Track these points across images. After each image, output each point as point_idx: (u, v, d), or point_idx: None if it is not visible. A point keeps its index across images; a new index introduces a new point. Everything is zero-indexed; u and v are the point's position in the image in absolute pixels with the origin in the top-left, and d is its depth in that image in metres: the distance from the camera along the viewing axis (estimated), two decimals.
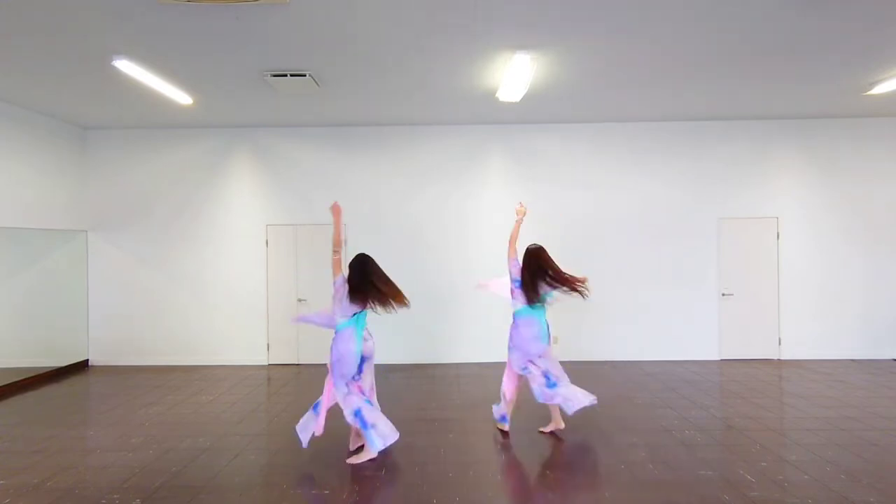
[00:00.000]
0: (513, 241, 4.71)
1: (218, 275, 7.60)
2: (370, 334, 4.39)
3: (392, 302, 4.25)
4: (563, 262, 7.68)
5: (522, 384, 4.84)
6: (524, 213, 4.82)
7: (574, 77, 5.60)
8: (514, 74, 5.23)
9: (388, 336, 7.59)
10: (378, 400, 5.79)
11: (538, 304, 4.59)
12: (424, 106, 6.63)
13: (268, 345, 7.60)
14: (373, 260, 4.38)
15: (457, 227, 7.59)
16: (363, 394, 4.27)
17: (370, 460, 4.09)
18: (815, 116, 7.42)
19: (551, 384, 4.54)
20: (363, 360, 4.29)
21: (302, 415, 5.31)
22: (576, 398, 4.50)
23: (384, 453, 4.23)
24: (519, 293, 4.62)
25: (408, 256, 7.56)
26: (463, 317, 7.58)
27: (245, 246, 7.62)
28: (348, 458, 4.17)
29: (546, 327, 4.64)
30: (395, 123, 7.53)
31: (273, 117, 7.14)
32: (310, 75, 5.31)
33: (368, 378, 4.36)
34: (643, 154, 7.57)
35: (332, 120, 7.29)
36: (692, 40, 4.66)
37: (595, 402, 4.59)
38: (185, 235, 7.62)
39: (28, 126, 6.65)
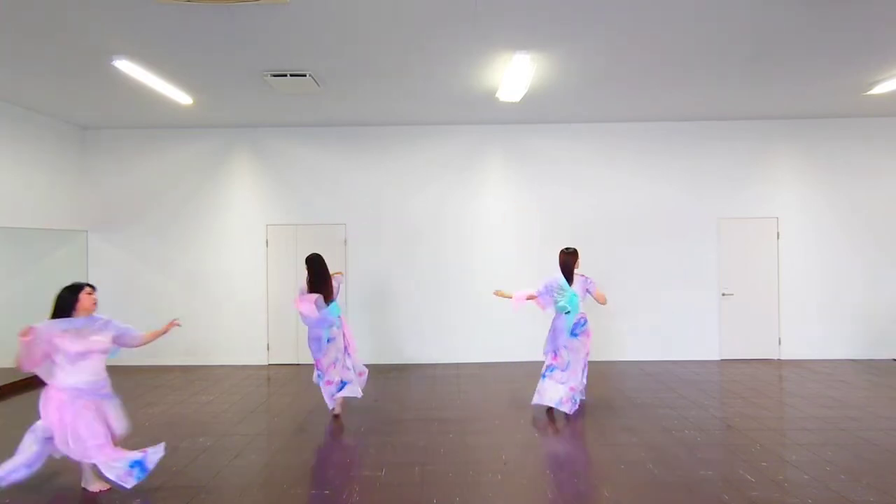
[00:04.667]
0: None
1: (218, 275, 7.60)
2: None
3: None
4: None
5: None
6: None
7: (574, 77, 5.59)
8: (513, 74, 5.24)
9: (388, 336, 7.59)
10: (379, 400, 5.82)
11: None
12: (424, 106, 6.63)
13: (268, 345, 7.60)
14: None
15: (456, 227, 7.59)
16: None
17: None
18: (815, 116, 7.42)
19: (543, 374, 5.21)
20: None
21: (301, 414, 5.32)
22: (544, 393, 5.11)
23: (382, 452, 4.23)
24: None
25: (407, 256, 7.56)
26: (463, 317, 7.58)
27: (245, 246, 7.61)
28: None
29: (573, 324, 5.09)
30: (395, 123, 7.53)
31: (273, 117, 7.14)
32: (310, 75, 5.31)
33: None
34: (643, 154, 7.57)
35: (332, 120, 7.29)
36: (692, 40, 4.66)
37: (561, 408, 5.03)
38: (185, 235, 7.62)
39: (28, 126, 6.64)
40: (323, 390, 5.09)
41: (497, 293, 5.36)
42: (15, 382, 6.38)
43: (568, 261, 5.14)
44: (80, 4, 3.88)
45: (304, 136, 7.62)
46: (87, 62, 4.99)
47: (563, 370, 5.07)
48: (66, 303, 3.47)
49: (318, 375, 5.11)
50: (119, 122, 7.33)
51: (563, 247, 5.28)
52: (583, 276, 5.19)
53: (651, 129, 7.56)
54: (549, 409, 5.19)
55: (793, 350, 7.49)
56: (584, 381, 5.27)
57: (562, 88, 5.96)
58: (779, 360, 7.47)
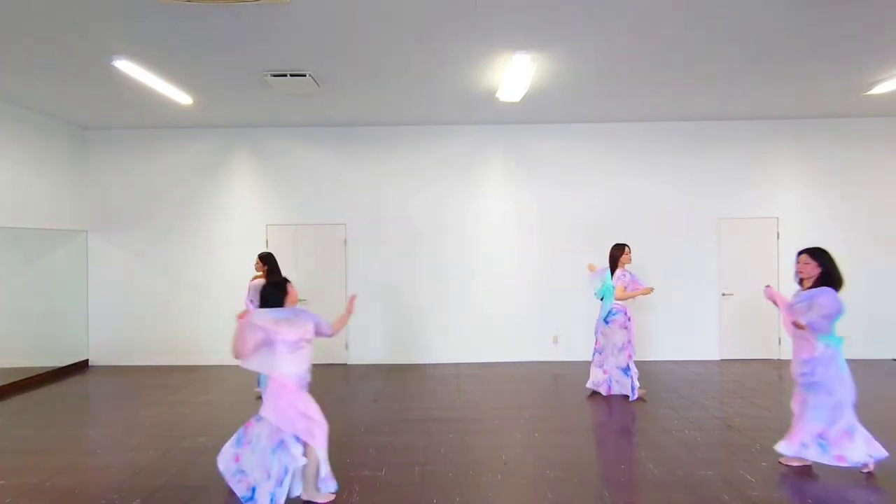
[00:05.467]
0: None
1: (218, 275, 7.59)
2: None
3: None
4: (562, 261, 7.70)
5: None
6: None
7: (574, 77, 5.59)
8: (514, 74, 5.24)
9: (388, 336, 7.59)
10: (379, 400, 5.82)
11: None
12: (424, 106, 6.63)
13: None
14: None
15: (456, 227, 7.59)
16: None
17: None
18: (815, 116, 7.42)
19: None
20: None
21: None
22: (591, 375, 5.79)
23: (382, 452, 4.24)
24: None
25: (407, 256, 7.56)
26: (463, 317, 7.58)
27: (245, 246, 7.60)
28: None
29: (605, 312, 5.66)
30: (395, 123, 7.53)
31: (273, 117, 7.14)
32: (310, 75, 5.31)
33: None
34: (643, 154, 7.57)
35: (332, 120, 7.29)
36: (692, 41, 4.66)
37: (597, 389, 5.72)
38: (184, 235, 7.62)
39: (28, 126, 6.64)
40: (261, 382, 5.48)
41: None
42: (15, 382, 6.39)
43: (612, 253, 5.75)
44: (80, 4, 3.88)
45: (304, 136, 7.62)
46: (87, 62, 5.00)
47: (600, 353, 5.74)
48: (277, 295, 3.44)
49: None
50: (119, 122, 7.33)
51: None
52: (624, 271, 5.66)
53: (651, 129, 7.56)
54: (593, 393, 5.79)
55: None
56: (632, 378, 5.57)
57: (562, 88, 5.96)
58: (779, 360, 7.47)
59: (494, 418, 5.10)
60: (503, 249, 7.59)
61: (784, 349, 7.50)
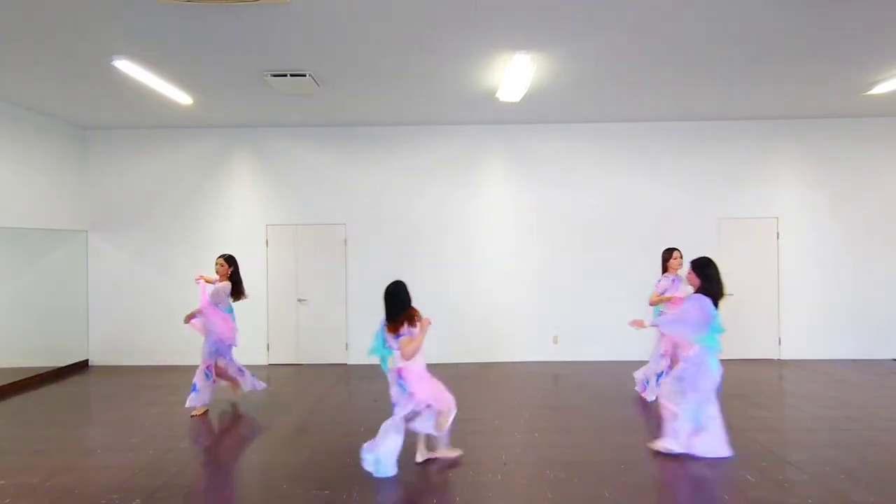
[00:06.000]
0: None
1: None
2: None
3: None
4: (562, 262, 7.70)
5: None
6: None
7: (574, 77, 5.59)
8: (514, 74, 5.24)
9: None
10: (379, 400, 5.81)
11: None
12: (424, 106, 6.63)
13: (268, 345, 7.60)
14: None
15: (456, 227, 7.59)
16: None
17: None
18: (815, 116, 7.42)
19: None
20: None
21: (301, 414, 5.32)
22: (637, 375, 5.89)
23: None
24: None
25: (407, 256, 7.55)
26: (463, 317, 7.58)
27: (245, 246, 7.60)
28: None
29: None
30: (395, 123, 7.53)
31: (273, 117, 7.14)
32: (310, 75, 5.31)
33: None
34: (643, 154, 7.57)
35: (332, 120, 7.29)
36: (692, 40, 4.66)
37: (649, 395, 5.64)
38: (184, 235, 7.62)
39: (28, 126, 6.64)
40: (246, 376, 5.64)
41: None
42: (15, 382, 6.39)
43: (662, 257, 5.76)
44: (80, 4, 3.88)
45: (304, 136, 7.62)
46: (87, 62, 5.00)
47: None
48: (409, 297, 4.40)
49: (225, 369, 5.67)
50: (119, 122, 7.33)
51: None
52: (666, 276, 5.66)
53: (651, 129, 7.56)
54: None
55: (793, 350, 7.49)
56: (656, 379, 5.56)
57: (562, 88, 5.96)
58: (779, 360, 7.47)
59: (494, 418, 5.10)
60: (503, 249, 7.59)
61: (784, 349, 7.51)
